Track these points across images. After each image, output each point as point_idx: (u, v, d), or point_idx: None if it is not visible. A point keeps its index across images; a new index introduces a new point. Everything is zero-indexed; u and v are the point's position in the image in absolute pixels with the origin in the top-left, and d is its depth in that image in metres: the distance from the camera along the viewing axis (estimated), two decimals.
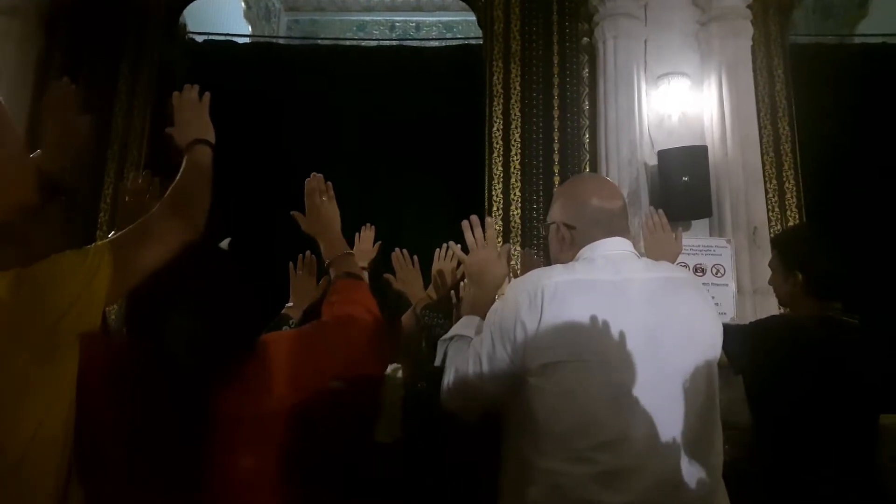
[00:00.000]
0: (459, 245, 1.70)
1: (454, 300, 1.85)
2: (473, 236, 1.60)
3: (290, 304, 2.08)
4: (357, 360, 1.36)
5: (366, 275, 2.02)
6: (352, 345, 1.35)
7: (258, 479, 1.15)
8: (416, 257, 2.08)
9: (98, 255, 1.10)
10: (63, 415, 1.06)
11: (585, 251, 1.41)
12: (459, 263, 1.81)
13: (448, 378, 1.41)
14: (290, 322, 1.99)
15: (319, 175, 1.65)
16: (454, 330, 1.50)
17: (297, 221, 1.63)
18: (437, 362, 1.49)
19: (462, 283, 1.84)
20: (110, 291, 1.09)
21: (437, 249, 2.04)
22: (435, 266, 2.02)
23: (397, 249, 2.10)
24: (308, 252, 2.13)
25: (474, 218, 1.61)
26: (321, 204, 1.61)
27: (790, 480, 1.68)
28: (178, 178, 1.33)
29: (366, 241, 2.12)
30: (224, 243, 1.49)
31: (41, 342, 1.02)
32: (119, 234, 1.21)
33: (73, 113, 1.42)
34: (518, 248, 3.66)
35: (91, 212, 3.84)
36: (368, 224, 2.12)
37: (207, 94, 1.49)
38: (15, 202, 1.10)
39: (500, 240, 3.66)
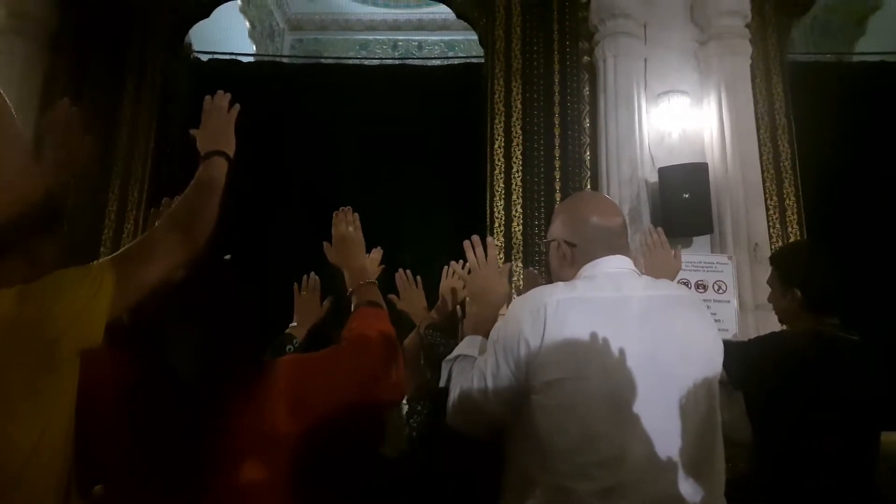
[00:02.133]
0: (462, 262, 1.71)
1: (460, 315, 1.85)
2: (475, 255, 1.61)
3: (294, 323, 2.09)
4: (372, 384, 1.36)
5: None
6: (367, 372, 1.35)
7: (263, 497, 1.15)
8: (419, 278, 2.10)
9: (101, 272, 1.11)
10: (63, 427, 1.07)
11: (587, 269, 1.42)
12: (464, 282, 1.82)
13: (453, 397, 1.42)
14: (294, 342, 2.00)
15: (348, 207, 1.71)
16: (458, 350, 1.51)
17: (325, 252, 1.68)
18: (442, 383, 1.50)
19: (467, 300, 1.85)
20: (113, 308, 1.10)
21: (445, 267, 2.06)
22: (442, 285, 2.03)
23: (401, 270, 2.11)
24: (312, 273, 2.15)
25: (475, 238, 1.63)
26: (347, 234, 1.65)
27: (792, 497, 1.67)
28: (187, 189, 1.34)
29: (372, 263, 2.13)
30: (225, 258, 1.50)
31: (43, 357, 1.03)
32: (121, 250, 1.22)
33: (75, 134, 1.43)
34: (519, 265, 3.67)
35: (94, 229, 3.86)
36: (378, 248, 2.13)
37: (237, 107, 1.52)
38: (18, 200, 1.11)
39: (501, 256, 3.67)
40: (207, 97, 1.51)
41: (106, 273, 1.11)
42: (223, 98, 1.51)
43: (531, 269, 3.36)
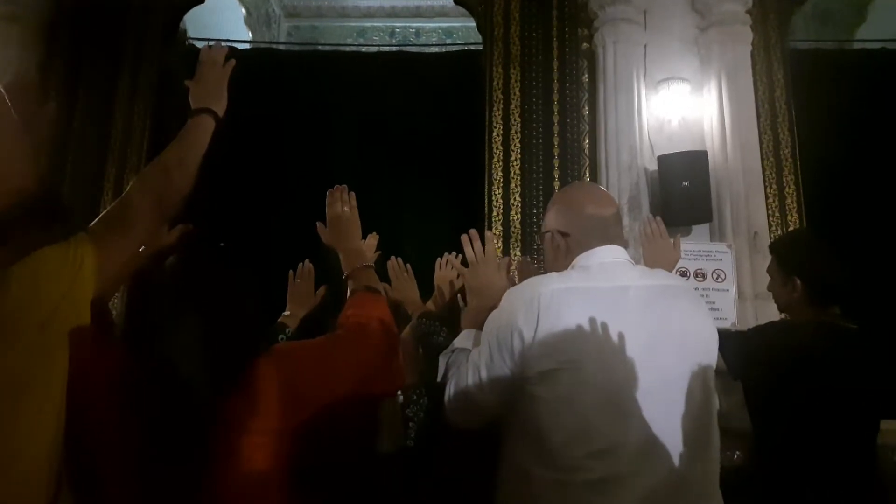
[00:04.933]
0: (459, 255, 1.69)
1: (462, 305, 1.83)
2: (473, 250, 1.59)
3: (287, 312, 2.06)
4: (370, 375, 1.33)
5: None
6: (365, 360, 1.33)
7: (260, 493, 1.13)
8: (409, 265, 2.07)
9: (80, 247, 1.09)
10: (55, 415, 1.04)
11: (580, 259, 1.41)
12: (459, 274, 1.80)
13: (449, 391, 1.41)
14: (287, 331, 1.98)
15: (343, 185, 1.64)
16: (454, 344, 1.50)
17: (319, 233, 1.62)
18: (439, 378, 1.48)
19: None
20: (97, 282, 1.08)
21: (438, 259, 2.03)
22: (437, 276, 2.01)
23: (393, 258, 2.09)
24: (307, 260, 2.12)
25: (473, 232, 1.60)
26: (342, 214, 1.59)
27: (789, 486, 1.67)
28: (167, 149, 1.31)
29: (368, 250, 2.11)
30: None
31: (33, 341, 1.01)
32: (96, 221, 1.20)
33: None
34: (518, 254, 3.65)
35: (90, 218, 3.83)
36: (374, 233, 2.11)
37: (232, 62, 1.48)
38: (12, 188, 1.08)
39: (499, 245, 3.65)
40: (204, 47, 1.48)
41: (85, 248, 1.09)
42: (220, 51, 1.47)
43: (525, 257, 3.33)
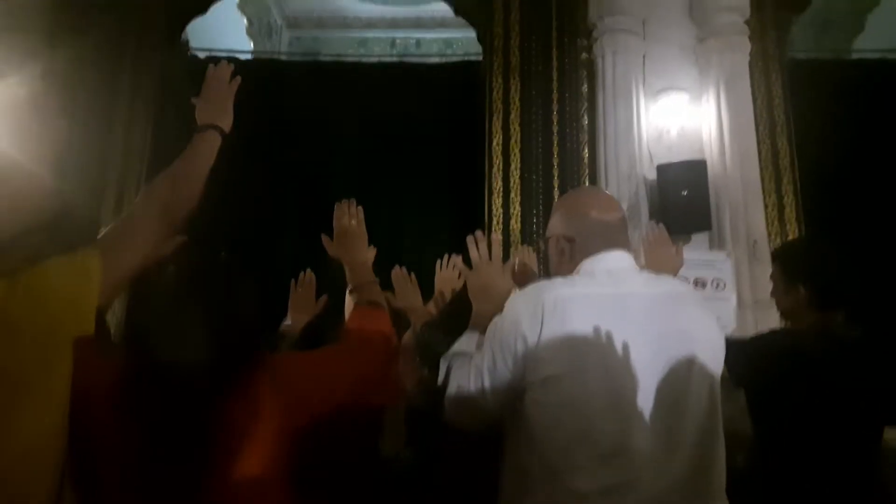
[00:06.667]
0: (461, 257, 1.69)
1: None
2: (478, 252, 1.59)
3: (288, 321, 2.07)
4: (369, 388, 1.34)
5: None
6: (365, 373, 1.33)
7: (260, 494, 1.14)
8: (412, 274, 2.08)
9: (87, 259, 1.10)
10: (58, 422, 1.05)
11: (586, 264, 1.40)
12: (461, 274, 1.80)
13: (450, 394, 1.40)
14: (288, 339, 1.98)
15: (351, 199, 1.65)
16: (456, 346, 1.49)
17: (325, 245, 1.63)
18: (440, 380, 1.48)
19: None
20: (102, 293, 1.09)
21: (438, 260, 2.04)
22: (437, 277, 2.01)
23: (397, 267, 2.10)
24: (308, 269, 2.13)
25: (479, 234, 1.60)
26: (350, 228, 1.60)
27: (792, 492, 1.67)
28: (174, 164, 1.33)
29: None
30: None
31: (37, 350, 1.02)
32: (104, 233, 1.22)
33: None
34: (521, 248, 3.65)
35: (91, 227, 3.83)
36: (371, 247, 2.12)
37: (238, 79, 1.51)
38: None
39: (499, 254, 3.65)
40: (211, 65, 1.51)
41: (92, 260, 1.10)
42: (225, 69, 1.51)
43: (525, 247, 3.31)
